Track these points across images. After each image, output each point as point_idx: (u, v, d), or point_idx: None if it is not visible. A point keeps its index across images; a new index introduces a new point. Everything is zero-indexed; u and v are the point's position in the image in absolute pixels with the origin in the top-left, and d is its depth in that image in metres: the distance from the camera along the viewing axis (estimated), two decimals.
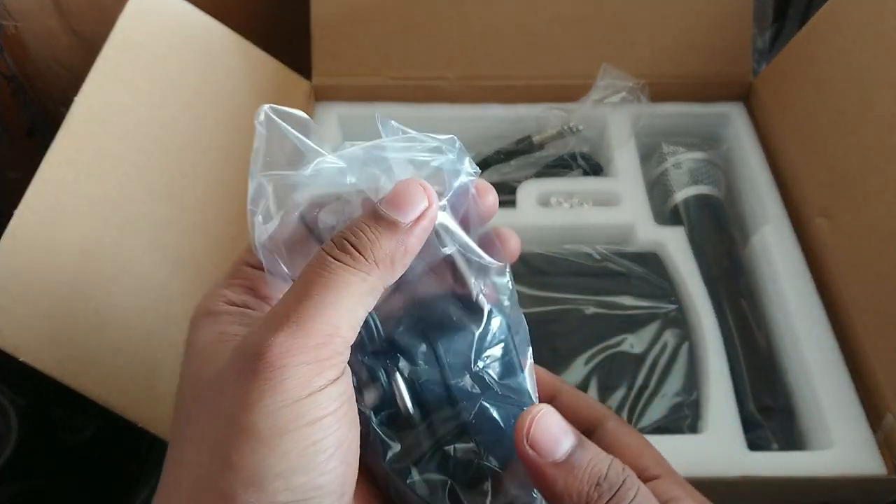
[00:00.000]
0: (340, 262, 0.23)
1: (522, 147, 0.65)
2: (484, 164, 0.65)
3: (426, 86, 0.67)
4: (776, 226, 0.58)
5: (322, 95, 0.68)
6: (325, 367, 0.23)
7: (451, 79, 0.67)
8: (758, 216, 0.60)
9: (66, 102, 0.46)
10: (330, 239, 0.24)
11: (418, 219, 0.24)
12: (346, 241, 0.24)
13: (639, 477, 0.26)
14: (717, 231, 0.59)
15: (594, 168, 0.64)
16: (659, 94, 0.64)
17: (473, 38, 0.66)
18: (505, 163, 0.65)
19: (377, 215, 0.24)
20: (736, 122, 0.66)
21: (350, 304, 0.23)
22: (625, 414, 0.48)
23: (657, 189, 0.63)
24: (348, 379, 0.24)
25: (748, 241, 0.60)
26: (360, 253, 0.24)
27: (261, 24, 0.68)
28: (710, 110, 0.67)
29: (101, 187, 0.45)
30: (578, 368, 0.49)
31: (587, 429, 0.30)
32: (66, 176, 0.44)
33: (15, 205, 0.41)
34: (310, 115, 0.66)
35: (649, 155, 0.65)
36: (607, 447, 0.28)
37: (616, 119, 0.65)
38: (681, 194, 0.61)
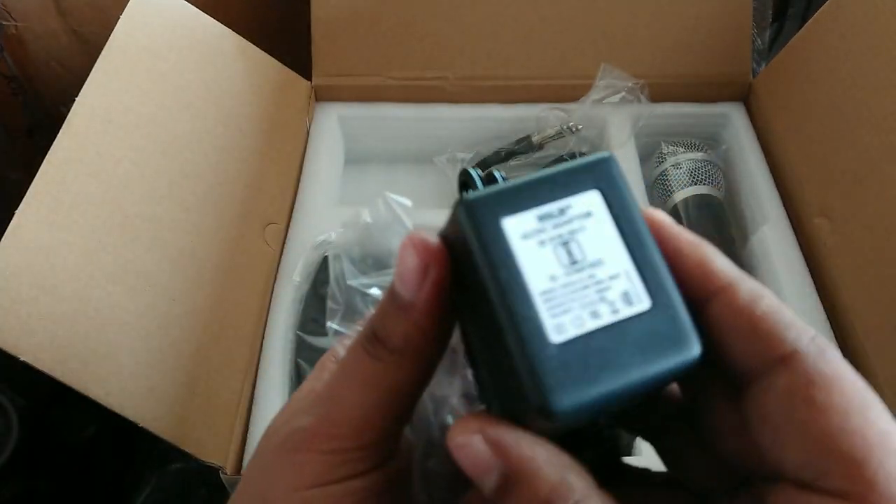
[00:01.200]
0: (366, 351, 0.21)
1: (522, 147, 0.65)
2: (484, 164, 0.66)
3: (426, 86, 0.67)
4: (775, 226, 0.58)
5: (322, 95, 0.68)
6: (349, 459, 0.21)
7: (451, 79, 0.67)
8: (757, 216, 0.60)
9: (67, 102, 0.46)
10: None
11: (420, 287, 0.20)
12: (371, 326, 0.22)
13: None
14: (717, 231, 0.59)
15: None
16: (659, 94, 0.64)
17: (473, 38, 0.66)
18: (505, 163, 0.65)
19: (389, 290, 0.21)
20: (735, 123, 0.66)
21: (382, 399, 0.21)
22: None
23: (657, 189, 0.63)
24: (387, 473, 0.22)
25: (747, 241, 0.60)
26: (380, 341, 0.21)
27: (261, 24, 0.68)
28: (709, 110, 0.67)
29: (101, 187, 0.45)
30: None
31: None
32: (66, 176, 0.44)
33: (15, 205, 0.41)
34: (310, 116, 0.67)
35: (649, 155, 0.65)
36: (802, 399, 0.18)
37: (616, 119, 0.65)
38: (680, 194, 0.61)
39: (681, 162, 0.62)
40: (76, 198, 0.44)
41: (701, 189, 0.61)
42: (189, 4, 0.57)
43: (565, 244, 0.19)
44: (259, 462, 0.23)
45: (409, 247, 0.20)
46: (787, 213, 0.59)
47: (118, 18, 0.51)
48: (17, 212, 0.41)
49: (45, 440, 0.54)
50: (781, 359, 0.18)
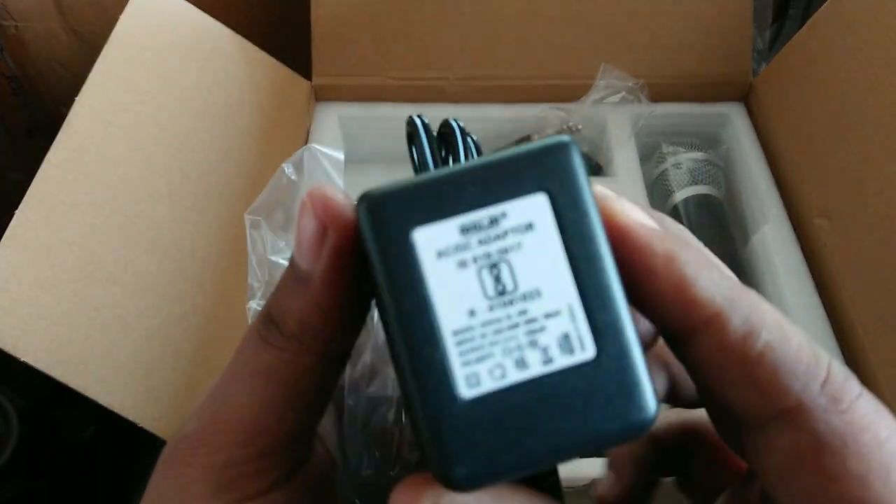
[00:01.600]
0: (260, 336, 0.18)
1: None
2: None
3: (426, 86, 0.67)
4: (776, 226, 0.58)
5: (322, 95, 0.68)
6: (242, 474, 0.17)
7: (451, 79, 0.67)
8: (757, 216, 0.60)
9: (67, 102, 0.46)
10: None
11: (317, 254, 0.16)
12: (267, 307, 0.18)
13: None
14: (717, 231, 0.59)
15: (593, 168, 0.64)
16: (659, 94, 0.64)
17: (473, 38, 0.66)
18: None
19: (289, 261, 0.17)
20: (736, 123, 0.66)
21: (278, 395, 0.17)
22: None
23: (657, 189, 0.63)
24: (294, 491, 0.18)
25: (748, 241, 0.60)
26: (276, 324, 0.17)
27: (261, 24, 0.68)
28: (709, 110, 0.67)
29: (101, 187, 0.45)
30: None
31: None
32: (66, 176, 0.44)
33: (15, 205, 0.41)
34: (310, 116, 0.67)
35: (649, 155, 0.65)
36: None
37: (616, 119, 0.65)
38: (681, 194, 0.61)
39: (681, 162, 0.62)
40: (76, 198, 0.44)
41: (701, 189, 0.61)
42: (189, 4, 0.57)
43: (493, 267, 0.15)
44: (152, 479, 0.19)
45: (307, 206, 0.16)
46: (788, 213, 0.59)
47: (118, 18, 0.51)
48: (16, 212, 0.41)
49: (45, 440, 0.54)
50: (784, 413, 0.15)
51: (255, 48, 0.62)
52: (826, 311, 0.53)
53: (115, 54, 0.49)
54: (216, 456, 0.17)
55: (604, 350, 0.15)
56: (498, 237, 0.15)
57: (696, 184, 0.61)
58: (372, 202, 0.15)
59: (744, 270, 0.57)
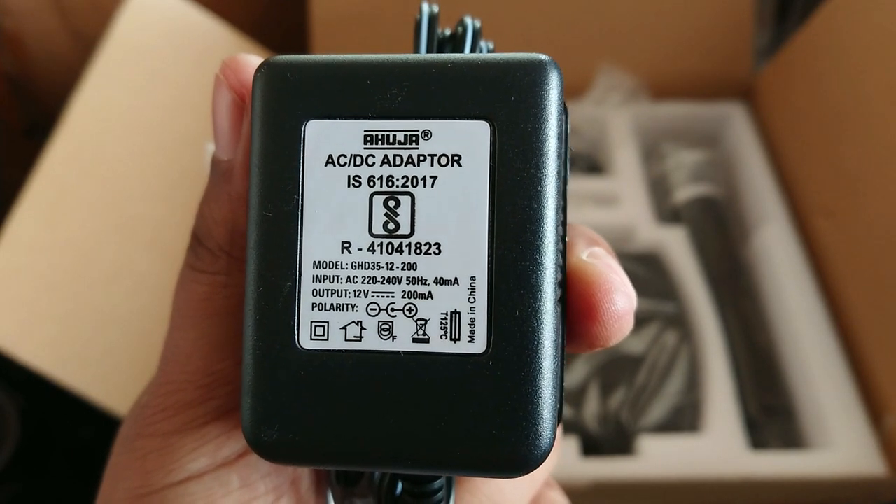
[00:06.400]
0: (191, 266, 0.15)
1: None
2: None
3: None
4: (777, 225, 0.58)
5: None
6: (206, 437, 0.15)
7: None
8: (758, 215, 0.60)
9: (65, 102, 0.46)
10: None
11: (236, 135, 0.14)
12: (193, 230, 0.16)
13: None
14: (718, 231, 0.59)
15: (593, 168, 0.64)
16: (659, 93, 0.64)
17: None
18: None
19: (210, 165, 0.15)
20: (736, 122, 0.66)
21: (221, 332, 0.15)
22: (625, 414, 0.48)
23: (657, 189, 0.63)
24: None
25: (749, 240, 0.60)
26: (202, 243, 0.15)
27: (261, 23, 0.68)
28: (710, 109, 0.67)
29: (100, 187, 0.45)
30: (579, 369, 0.49)
31: None
32: (65, 176, 0.44)
33: (15, 205, 0.41)
34: None
35: (649, 155, 0.65)
36: None
37: (616, 119, 0.64)
38: (681, 194, 0.61)
39: (681, 162, 0.62)
40: (75, 198, 0.44)
41: (702, 188, 0.61)
42: (189, 4, 0.57)
43: (391, 198, 0.11)
44: (111, 458, 0.18)
45: (219, 78, 0.14)
46: (789, 212, 0.59)
47: (116, 17, 0.51)
48: (16, 212, 0.41)
49: (45, 440, 0.54)
50: None
51: (255, 47, 0.62)
52: (827, 311, 0.52)
53: (113, 53, 0.49)
54: (173, 420, 0.15)
55: (499, 350, 0.11)
56: (410, 161, 0.11)
57: (696, 184, 0.61)
58: (269, 73, 0.12)
59: (744, 270, 0.57)
